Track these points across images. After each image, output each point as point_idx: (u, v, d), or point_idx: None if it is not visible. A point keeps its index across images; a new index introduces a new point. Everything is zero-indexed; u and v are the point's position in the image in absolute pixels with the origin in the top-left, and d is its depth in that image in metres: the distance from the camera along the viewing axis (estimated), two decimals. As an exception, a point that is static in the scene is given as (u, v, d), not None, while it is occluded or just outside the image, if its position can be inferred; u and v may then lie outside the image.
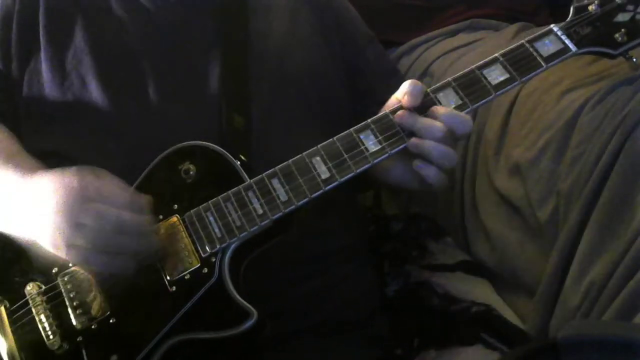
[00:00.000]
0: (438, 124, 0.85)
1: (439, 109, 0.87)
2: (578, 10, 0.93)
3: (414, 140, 0.86)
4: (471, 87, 0.88)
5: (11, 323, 0.89)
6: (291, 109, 1.02)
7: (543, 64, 0.89)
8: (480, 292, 1.14)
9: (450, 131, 0.86)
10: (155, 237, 0.85)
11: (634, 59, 0.92)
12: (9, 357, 0.87)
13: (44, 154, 0.97)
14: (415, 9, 1.47)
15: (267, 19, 1.07)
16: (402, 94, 0.88)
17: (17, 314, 0.89)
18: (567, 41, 0.90)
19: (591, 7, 0.92)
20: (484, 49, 1.27)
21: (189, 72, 1.01)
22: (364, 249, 1.11)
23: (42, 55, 1.02)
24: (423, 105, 0.88)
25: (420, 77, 1.36)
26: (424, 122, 0.86)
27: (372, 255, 1.15)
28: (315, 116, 1.02)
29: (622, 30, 0.91)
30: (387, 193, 1.41)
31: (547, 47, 0.90)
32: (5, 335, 0.88)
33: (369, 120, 0.88)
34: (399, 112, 0.88)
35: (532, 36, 0.91)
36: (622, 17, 0.91)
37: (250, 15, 1.06)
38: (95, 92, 0.99)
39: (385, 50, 1.23)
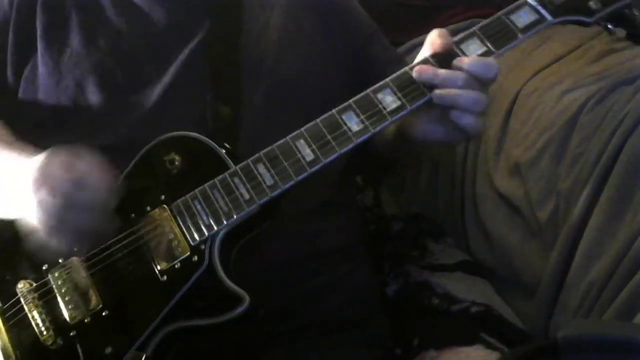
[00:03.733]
0: (459, 73, 0.84)
1: (463, 60, 0.85)
2: None
3: (437, 91, 0.85)
4: (449, 62, 0.87)
5: (4, 321, 0.89)
6: (286, 108, 1.01)
7: (519, 35, 0.88)
8: (480, 292, 1.13)
9: (475, 78, 0.84)
10: (105, 213, 0.84)
11: (609, 26, 0.92)
12: (3, 355, 0.87)
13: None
14: (415, 9, 1.47)
15: (264, 16, 1.07)
16: (432, 40, 0.88)
17: (10, 312, 0.89)
18: (542, 11, 0.89)
19: (565, -24, 0.91)
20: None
21: (181, 69, 1.01)
22: (364, 248, 1.11)
23: (39, 59, 1.02)
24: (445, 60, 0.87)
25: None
26: (444, 73, 0.85)
27: (372, 255, 1.15)
28: (309, 110, 1.02)
29: None
30: (387, 193, 1.41)
31: (522, 18, 0.89)
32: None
33: (350, 101, 0.88)
34: (418, 67, 0.87)
35: (506, 9, 0.90)
36: None
37: (246, 11, 1.06)
38: (90, 95, 0.99)
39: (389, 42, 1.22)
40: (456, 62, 0.86)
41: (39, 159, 0.85)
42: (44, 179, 0.82)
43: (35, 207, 0.83)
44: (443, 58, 0.88)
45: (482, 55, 0.87)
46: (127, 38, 1.01)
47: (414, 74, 0.87)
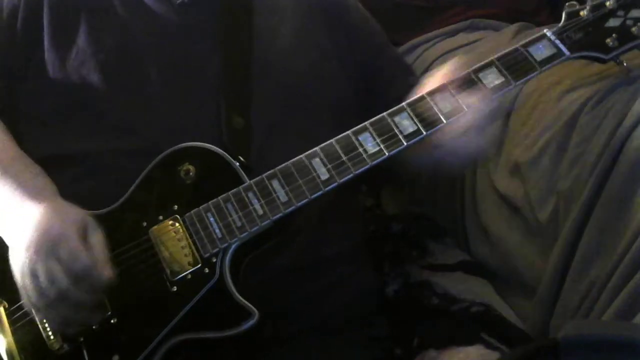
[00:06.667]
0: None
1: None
2: (570, 16, 0.95)
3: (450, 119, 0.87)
4: (467, 91, 0.89)
5: (11, 323, 0.89)
6: (294, 112, 1.01)
7: (537, 67, 0.90)
8: (480, 292, 1.13)
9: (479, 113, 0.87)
10: (95, 314, 0.85)
11: (625, 64, 0.94)
12: (8, 357, 0.87)
13: (45, 156, 0.97)
14: (415, 9, 1.47)
15: (273, 20, 1.07)
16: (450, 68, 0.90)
17: (17, 315, 0.89)
18: (560, 45, 0.92)
19: (583, 13, 0.94)
20: (484, 49, 1.27)
21: (191, 74, 1.00)
22: (364, 249, 1.11)
23: (46, 55, 1.01)
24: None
25: (420, 77, 1.36)
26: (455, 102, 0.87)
27: (372, 255, 1.15)
28: (319, 119, 1.02)
29: (613, 35, 0.93)
30: (387, 193, 1.41)
31: (541, 51, 0.92)
32: (5, 335, 0.88)
33: (366, 123, 0.89)
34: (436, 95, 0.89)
35: (525, 40, 0.93)
36: (613, 23, 0.94)
37: (256, 16, 1.06)
38: (96, 93, 0.99)
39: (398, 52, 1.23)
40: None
41: (42, 226, 0.84)
42: (43, 260, 0.82)
43: (28, 282, 0.83)
44: (461, 84, 0.89)
45: (500, 85, 0.89)
46: (135, 38, 1.01)
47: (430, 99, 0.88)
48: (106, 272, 0.83)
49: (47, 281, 0.82)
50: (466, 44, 1.35)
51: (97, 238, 0.85)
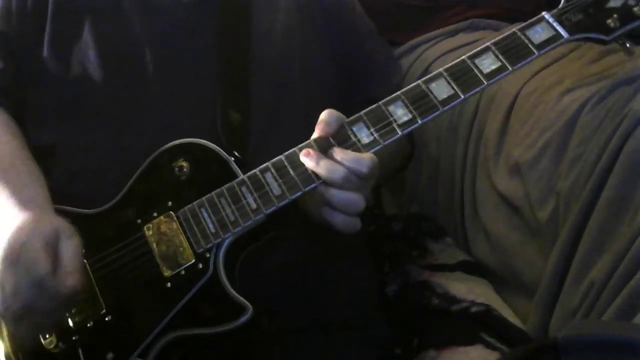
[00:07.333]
0: (338, 168, 0.82)
1: (336, 152, 0.83)
2: None
3: (319, 187, 0.84)
4: (462, 77, 0.87)
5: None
6: (291, 109, 1.02)
7: (535, 51, 0.88)
8: (480, 292, 1.14)
9: (352, 174, 0.83)
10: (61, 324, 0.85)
11: (628, 45, 0.91)
12: (5, 356, 0.87)
13: (44, 148, 0.98)
14: (415, 9, 1.47)
15: (271, 18, 1.07)
16: (323, 120, 0.85)
17: None
18: (558, 28, 0.89)
19: (584, -7, 0.91)
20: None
21: (190, 70, 1.01)
22: (364, 248, 1.11)
23: (49, 48, 1.02)
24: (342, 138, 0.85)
25: (420, 77, 1.35)
26: (324, 164, 0.83)
27: (372, 255, 1.15)
28: (315, 115, 1.03)
29: (615, 15, 0.89)
30: (387, 193, 1.41)
31: (539, 34, 0.89)
32: (1, 334, 0.88)
33: (361, 112, 0.87)
34: (304, 151, 0.85)
35: (523, 24, 0.90)
36: (614, 3, 0.90)
37: (254, 15, 1.06)
38: (97, 88, 0.99)
39: (385, 41, 1.22)
40: (331, 153, 0.83)
41: (11, 238, 0.81)
42: (7, 271, 0.80)
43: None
44: (457, 71, 0.87)
45: (497, 70, 0.86)
46: (135, 35, 1.01)
47: (301, 157, 0.85)
48: (70, 281, 0.80)
49: (11, 292, 0.79)
50: (466, 44, 1.35)
51: (68, 246, 0.82)
